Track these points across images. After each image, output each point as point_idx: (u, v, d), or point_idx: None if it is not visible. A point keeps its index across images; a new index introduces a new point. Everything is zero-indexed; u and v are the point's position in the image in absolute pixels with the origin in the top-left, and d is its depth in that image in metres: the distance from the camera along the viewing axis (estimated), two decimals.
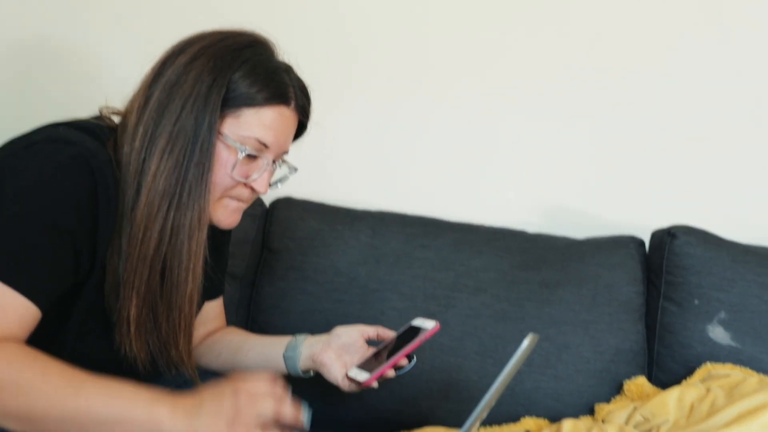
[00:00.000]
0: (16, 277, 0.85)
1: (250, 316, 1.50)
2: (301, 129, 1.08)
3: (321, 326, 1.41)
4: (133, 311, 0.95)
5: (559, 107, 1.73)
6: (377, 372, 1.06)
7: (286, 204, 1.57)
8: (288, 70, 1.04)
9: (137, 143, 0.95)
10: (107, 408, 0.81)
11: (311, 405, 1.38)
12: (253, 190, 1.03)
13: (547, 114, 1.74)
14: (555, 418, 1.39)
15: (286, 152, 1.06)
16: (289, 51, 1.06)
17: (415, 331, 1.10)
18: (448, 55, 1.71)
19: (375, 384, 1.07)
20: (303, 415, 0.87)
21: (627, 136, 1.74)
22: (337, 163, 1.71)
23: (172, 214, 0.95)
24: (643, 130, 1.74)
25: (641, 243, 1.61)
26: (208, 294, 1.19)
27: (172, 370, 1.02)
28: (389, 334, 1.14)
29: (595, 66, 1.72)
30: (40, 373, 0.82)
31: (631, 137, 1.74)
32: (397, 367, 1.08)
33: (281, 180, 1.10)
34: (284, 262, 1.50)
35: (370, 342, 1.15)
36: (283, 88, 1.01)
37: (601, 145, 1.74)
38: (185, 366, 1.02)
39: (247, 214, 1.49)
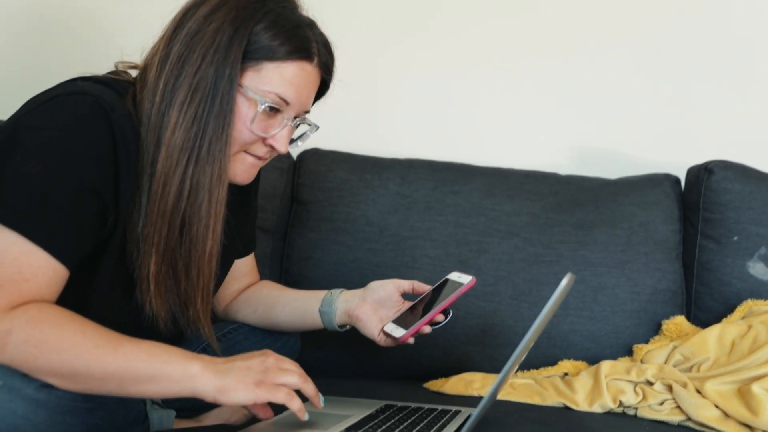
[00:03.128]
0: (45, 236, 0.85)
1: (283, 269, 1.50)
2: (323, 88, 1.05)
3: (354, 276, 1.42)
4: (152, 268, 0.95)
5: (587, 45, 1.69)
6: (413, 328, 1.06)
7: (313, 155, 1.56)
8: (311, 24, 1.01)
9: (158, 97, 0.94)
10: (145, 365, 0.83)
11: (348, 355, 1.41)
12: (272, 147, 1.01)
13: (575, 53, 1.69)
14: (593, 360, 1.39)
15: (308, 111, 1.04)
16: (311, 5, 1.03)
17: (451, 285, 1.10)
18: (475, 5, 1.66)
19: (411, 340, 1.07)
20: (321, 399, 0.92)
21: (658, 71, 1.69)
22: (363, 112, 1.69)
23: (191, 169, 0.93)
24: (675, 64, 1.69)
25: (677, 180, 1.58)
26: (239, 252, 1.19)
27: (193, 329, 1.02)
28: (425, 287, 1.14)
29: (625, 4, 1.66)
30: (79, 332, 0.84)
31: (662, 73, 1.69)
32: (432, 323, 1.08)
33: (302, 138, 1.07)
34: (314, 213, 1.50)
35: (405, 296, 1.14)
36: (306, 43, 0.98)
37: (631, 82, 1.70)
38: (202, 325, 1.01)
39: (274, 167, 1.50)
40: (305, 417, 0.89)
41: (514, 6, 1.67)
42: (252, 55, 0.95)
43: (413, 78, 1.70)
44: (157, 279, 0.96)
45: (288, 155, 1.55)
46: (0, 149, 0.89)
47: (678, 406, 1.22)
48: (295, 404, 0.87)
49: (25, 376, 0.82)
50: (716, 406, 1.20)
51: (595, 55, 1.69)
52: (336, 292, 1.16)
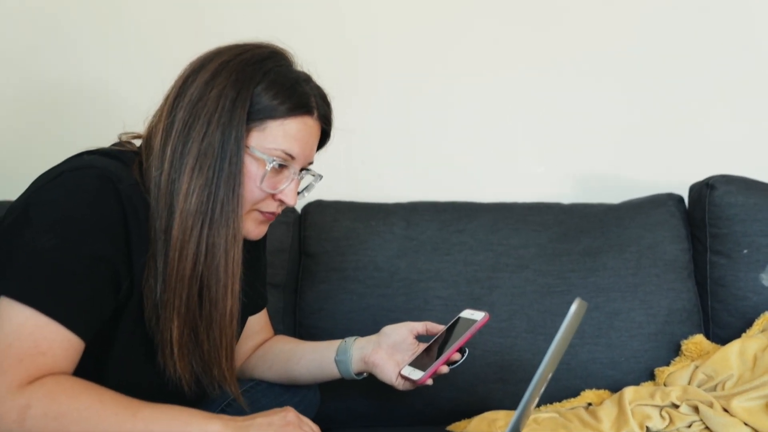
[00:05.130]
0: (59, 310, 0.86)
1: (296, 323, 1.50)
2: (324, 137, 1.08)
3: (367, 323, 1.42)
4: (174, 332, 0.96)
5: (579, 74, 1.71)
6: (431, 369, 1.05)
7: (317, 207, 1.57)
8: (308, 79, 1.04)
9: (166, 165, 0.96)
10: (165, 428, 0.84)
11: (368, 404, 1.39)
12: (281, 202, 1.03)
13: (567, 83, 1.71)
14: (615, 387, 1.37)
15: (311, 162, 1.06)
16: (304, 58, 1.06)
17: (465, 322, 1.10)
18: (465, 35, 1.70)
19: (430, 381, 1.07)
20: None
21: (651, 93, 1.71)
22: (363, 161, 1.71)
23: (206, 232, 0.95)
24: (668, 84, 1.71)
25: (680, 199, 1.58)
26: (251, 309, 1.19)
27: (217, 389, 1.03)
28: (438, 327, 1.13)
29: (617, 27, 1.69)
30: (97, 401, 0.84)
31: (655, 94, 1.71)
32: (449, 362, 1.07)
33: (307, 188, 1.10)
34: (323, 264, 1.50)
35: (419, 338, 1.14)
36: (305, 99, 1.01)
37: (627, 106, 1.72)
38: (228, 383, 1.02)
39: (280, 222, 1.51)
40: None
41: (504, 42, 1.69)
42: (255, 116, 0.98)
43: (410, 121, 1.72)
44: (180, 342, 0.97)
45: (293, 209, 1.57)
46: (11, 227, 0.91)
47: (707, 427, 1.20)
48: None
49: None
50: (745, 424, 1.18)
51: (587, 81, 1.71)
52: (350, 339, 1.16)
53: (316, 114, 1.03)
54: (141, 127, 1.04)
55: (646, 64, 1.70)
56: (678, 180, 1.62)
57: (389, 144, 1.72)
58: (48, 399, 0.82)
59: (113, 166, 0.95)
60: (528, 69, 1.71)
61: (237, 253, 0.97)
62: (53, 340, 0.86)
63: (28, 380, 0.83)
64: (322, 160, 1.10)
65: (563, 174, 1.73)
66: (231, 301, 0.98)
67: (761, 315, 1.40)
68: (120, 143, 1.05)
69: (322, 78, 1.06)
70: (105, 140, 1.07)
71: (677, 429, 1.21)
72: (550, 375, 0.89)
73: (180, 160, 0.96)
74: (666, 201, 1.56)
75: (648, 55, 1.70)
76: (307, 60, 1.06)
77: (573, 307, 0.82)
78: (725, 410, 1.21)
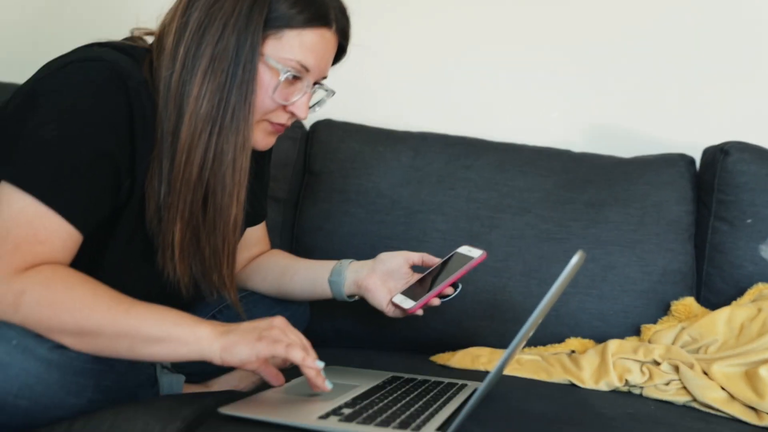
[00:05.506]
0: (59, 201, 0.86)
1: (294, 239, 1.51)
2: (340, 53, 1.06)
3: (364, 248, 1.42)
4: (177, 235, 0.96)
5: (603, 23, 1.66)
6: (422, 300, 1.06)
7: (326, 126, 1.55)
8: None
9: (178, 65, 0.94)
10: (155, 326, 0.85)
11: (356, 326, 1.41)
12: (292, 114, 1.01)
13: (591, 31, 1.67)
14: (600, 338, 1.39)
15: (325, 77, 1.04)
16: None
17: (461, 258, 1.10)
18: None
19: (420, 312, 1.08)
20: (327, 383, 0.88)
21: (674, 50, 1.67)
22: (377, 84, 1.68)
23: (215, 138, 0.94)
24: (691, 43, 1.66)
25: (691, 161, 1.56)
26: (250, 220, 1.19)
27: (215, 294, 1.04)
28: (434, 260, 1.14)
29: None
30: (91, 293, 0.85)
31: (678, 51, 1.67)
32: (441, 295, 1.08)
33: (319, 103, 1.08)
34: (326, 184, 1.50)
35: (414, 268, 1.14)
36: (324, 10, 0.98)
37: (647, 61, 1.68)
38: (227, 290, 1.03)
39: (287, 137, 1.50)
40: (316, 363, 0.87)
41: None
42: (272, 24, 0.95)
43: (428, 51, 1.68)
44: (182, 246, 0.97)
45: (301, 125, 1.55)
46: (17, 112, 0.90)
47: (684, 387, 1.22)
48: (296, 354, 0.85)
49: (38, 337, 0.83)
50: (722, 388, 1.20)
51: (610, 33, 1.66)
52: (346, 262, 1.16)
53: (334, 27, 1.00)
54: (154, 24, 1.01)
55: (672, 22, 1.65)
56: (693, 141, 1.60)
57: (406, 70, 1.69)
58: (43, 286, 0.83)
59: (123, 61, 0.93)
60: (554, 17, 1.66)
61: (245, 162, 0.97)
62: (52, 230, 0.86)
63: (24, 267, 0.84)
64: (336, 76, 1.08)
65: (576, 122, 1.70)
66: (236, 209, 0.98)
67: (754, 285, 1.40)
68: (132, 38, 1.02)
69: None
70: (117, 33, 1.04)
71: (655, 385, 1.23)
72: (540, 321, 0.89)
73: (192, 62, 0.94)
74: (677, 161, 1.54)
75: (674, 13, 1.65)
76: None
77: (574, 259, 0.81)
78: (705, 373, 1.23)
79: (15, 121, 0.89)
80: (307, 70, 0.98)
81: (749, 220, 1.45)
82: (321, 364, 0.88)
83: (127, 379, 0.91)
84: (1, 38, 1.66)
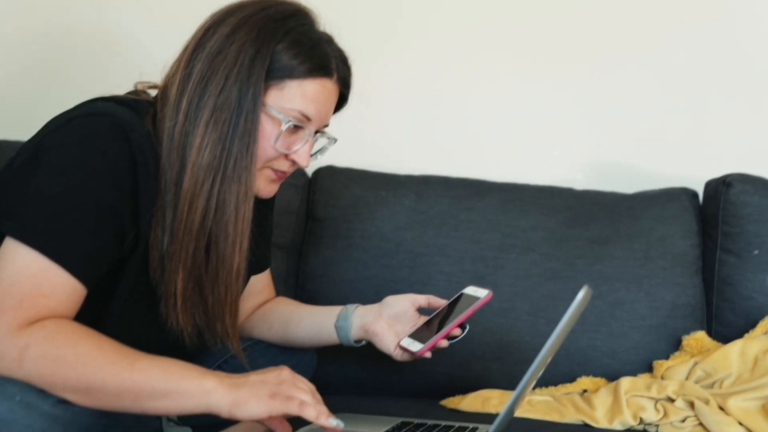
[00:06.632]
0: (63, 255, 0.86)
1: (298, 286, 1.50)
2: (341, 101, 1.07)
3: (369, 293, 1.41)
4: (179, 285, 0.96)
5: (602, 59, 1.69)
6: (430, 342, 1.05)
7: (328, 172, 1.56)
8: (330, 41, 1.02)
9: (181, 116, 0.95)
10: (160, 380, 0.84)
11: (364, 372, 1.40)
12: (294, 162, 1.02)
13: (590, 67, 1.69)
14: (612, 376, 1.37)
15: (326, 125, 1.05)
16: (328, 19, 1.04)
17: (468, 299, 1.09)
18: (493, 18, 1.67)
19: (428, 354, 1.06)
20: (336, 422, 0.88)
21: (673, 84, 1.68)
22: (378, 129, 1.69)
23: (217, 187, 0.95)
24: (691, 77, 1.68)
25: (694, 194, 1.56)
26: (254, 268, 1.19)
27: (218, 344, 1.03)
28: (440, 302, 1.13)
29: (641, 17, 1.66)
30: (96, 347, 0.84)
31: (678, 86, 1.68)
32: (449, 337, 1.07)
33: (321, 151, 1.09)
34: (330, 230, 1.50)
35: (421, 311, 1.14)
36: (326, 60, 1.00)
37: (646, 95, 1.69)
38: (230, 340, 1.02)
39: (290, 184, 1.50)
40: (329, 422, 0.87)
41: (530, 23, 1.67)
42: (274, 74, 0.96)
43: (427, 94, 1.70)
44: (185, 295, 0.97)
45: (303, 172, 1.56)
46: (22, 168, 0.91)
47: (700, 423, 1.20)
48: (309, 413, 0.86)
49: (41, 392, 0.82)
50: (740, 423, 1.18)
51: (610, 68, 1.68)
52: (351, 307, 1.16)
53: (335, 76, 1.01)
54: (158, 78, 1.03)
55: (672, 58, 1.67)
56: (695, 174, 1.60)
57: (406, 114, 1.71)
58: (47, 341, 0.83)
59: (126, 115, 0.94)
60: (552, 54, 1.68)
61: (247, 210, 0.97)
62: (56, 284, 0.86)
63: (28, 321, 0.83)
64: (337, 124, 1.09)
65: (578, 159, 1.71)
66: (238, 258, 0.98)
67: (766, 317, 1.39)
68: (135, 92, 1.04)
69: (345, 41, 1.04)
70: (121, 88, 1.06)
71: (671, 423, 1.21)
72: (549, 359, 0.88)
73: (195, 112, 0.95)
74: (680, 195, 1.55)
75: (674, 49, 1.67)
76: (331, 21, 1.04)
77: (580, 294, 0.81)
78: (721, 408, 1.20)
79: (20, 176, 0.90)
80: (308, 119, 0.99)
81: (756, 252, 1.44)
82: (335, 423, 0.87)
83: None
84: (3, 95, 1.68)
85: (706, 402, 1.21)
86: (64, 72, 1.68)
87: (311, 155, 1.05)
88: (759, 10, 1.66)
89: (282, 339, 1.20)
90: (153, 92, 1.03)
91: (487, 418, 1.20)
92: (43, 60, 1.68)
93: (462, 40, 1.68)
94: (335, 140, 1.09)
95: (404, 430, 1.03)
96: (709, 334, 1.43)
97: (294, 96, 0.97)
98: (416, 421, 1.10)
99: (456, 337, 1.08)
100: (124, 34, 1.66)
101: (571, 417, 1.25)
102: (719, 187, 1.50)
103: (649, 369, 1.39)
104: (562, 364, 1.39)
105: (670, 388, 1.25)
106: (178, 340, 0.99)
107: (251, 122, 0.95)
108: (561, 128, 1.70)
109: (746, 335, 1.37)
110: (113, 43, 1.68)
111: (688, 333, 1.41)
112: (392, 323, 1.12)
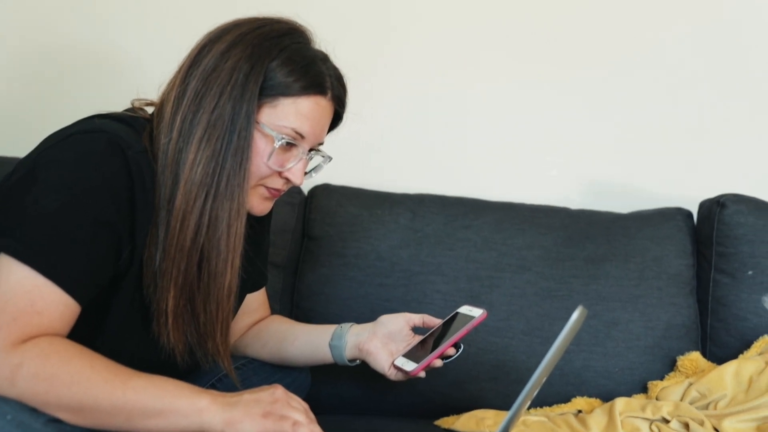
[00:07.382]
0: (57, 272, 0.86)
1: (293, 304, 1.50)
2: (336, 119, 1.07)
3: (364, 312, 1.41)
4: (170, 302, 0.95)
5: (597, 79, 1.70)
6: (424, 362, 1.05)
7: (324, 191, 1.56)
8: (324, 59, 1.02)
9: (175, 133, 0.95)
10: (153, 399, 0.84)
11: (358, 391, 1.39)
12: (287, 180, 1.02)
13: (585, 87, 1.70)
14: (607, 397, 1.37)
15: (321, 143, 1.05)
16: (323, 36, 1.05)
17: (463, 318, 1.09)
18: (486, 34, 1.68)
19: (422, 374, 1.06)
20: None
21: (668, 105, 1.69)
22: (373, 147, 1.70)
23: (209, 204, 0.94)
24: (686, 97, 1.69)
25: (689, 214, 1.57)
26: (250, 286, 1.19)
27: (210, 362, 1.02)
28: (435, 321, 1.13)
29: (635, 38, 1.68)
30: (88, 366, 0.84)
31: (673, 106, 1.69)
32: (444, 356, 1.07)
33: (316, 169, 1.09)
34: (325, 248, 1.50)
35: (416, 330, 1.13)
36: (320, 78, 1.00)
37: (645, 118, 1.70)
38: (222, 358, 1.02)
39: (285, 203, 1.51)
40: None
41: (526, 46, 1.68)
42: (268, 92, 0.97)
43: (426, 112, 1.71)
44: (176, 313, 0.96)
45: (299, 191, 1.56)
46: (18, 185, 0.91)
47: None
48: (303, 431, 0.86)
49: (34, 411, 0.82)
50: None
51: (605, 88, 1.69)
52: (346, 326, 1.15)
53: (329, 94, 1.01)
54: (155, 95, 1.03)
55: (667, 77, 1.69)
56: (689, 195, 1.61)
57: (402, 133, 1.71)
58: (40, 360, 0.82)
59: (123, 132, 0.95)
60: (547, 73, 1.70)
61: (240, 228, 0.97)
62: (50, 301, 0.86)
63: (21, 339, 0.83)
64: (333, 143, 1.09)
65: (573, 179, 1.72)
66: (230, 276, 0.97)
67: (760, 338, 1.39)
68: (132, 109, 1.04)
69: (340, 59, 1.05)
70: (118, 105, 1.06)
71: None
72: (544, 379, 0.88)
73: (189, 129, 0.95)
74: (675, 215, 1.55)
75: (669, 69, 1.69)
76: (326, 40, 1.04)
77: (575, 315, 0.81)
78: (716, 430, 1.20)
79: (16, 192, 0.90)
80: (302, 137, 0.99)
81: (750, 272, 1.44)
82: None
83: None
84: (1, 111, 1.69)
85: (701, 423, 1.21)
86: (62, 89, 1.69)
87: (305, 173, 1.05)
88: (761, 30, 1.67)
89: (276, 357, 1.19)
90: (150, 109, 1.04)
91: None
92: (42, 77, 1.69)
93: (459, 60, 1.69)
94: (330, 158, 1.09)
95: None
96: (704, 354, 1.44)
97: (287, 113, 0.98)
98: None
99: (451, 356, 1.08)
100: (122, 51, 1.67)
101: None
102: (713, 207, 1.51)
103: (644, 389, 1.39)
104: (557, 384, 1.39)
105: (665, 409, 1.25)
106: (170, 358, 0.98)
107: (244, 139, 0.95)
108: (557, 148, 1.71)
109: (741, 356, 1.37)
110: (111, 60, 1.68)
111: (682, 353, 1.41)
112: (386, 342, 1.11)
